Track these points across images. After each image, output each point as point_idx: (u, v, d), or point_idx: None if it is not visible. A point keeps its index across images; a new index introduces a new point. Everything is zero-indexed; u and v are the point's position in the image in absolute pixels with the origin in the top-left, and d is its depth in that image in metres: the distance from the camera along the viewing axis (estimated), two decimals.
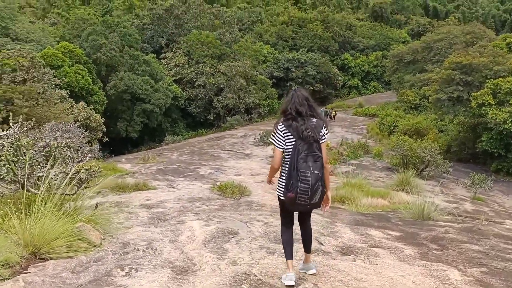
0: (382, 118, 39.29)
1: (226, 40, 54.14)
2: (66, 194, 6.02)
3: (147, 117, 42.84)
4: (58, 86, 35.15)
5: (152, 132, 45.35)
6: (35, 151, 5.96)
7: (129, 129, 41.83)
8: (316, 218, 8.43)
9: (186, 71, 49.63)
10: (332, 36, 68.17)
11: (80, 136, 16.83)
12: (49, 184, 5.73)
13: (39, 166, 5.79)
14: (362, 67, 69.01)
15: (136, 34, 46.31)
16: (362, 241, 5.89)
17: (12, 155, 5.49)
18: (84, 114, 34.22)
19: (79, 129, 17.21)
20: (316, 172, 3.74)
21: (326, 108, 49.93)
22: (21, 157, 5.69)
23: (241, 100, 49.24)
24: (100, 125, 35.88)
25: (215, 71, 49.75)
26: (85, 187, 6.10)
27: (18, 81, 32.27)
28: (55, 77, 34.94)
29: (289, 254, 4.11)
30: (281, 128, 3.91)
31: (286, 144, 3.88)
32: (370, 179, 21.21)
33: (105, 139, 36.10)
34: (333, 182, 18.75)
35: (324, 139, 3.94)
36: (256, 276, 4.02)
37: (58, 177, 5.85)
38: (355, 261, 4.64)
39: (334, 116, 45.15)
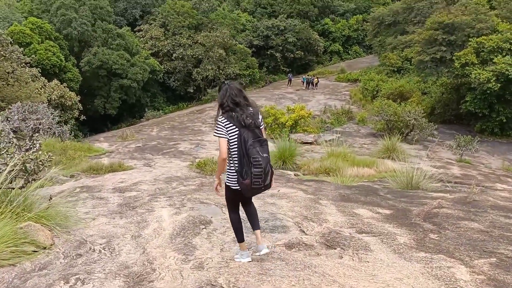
0: (365, 83, 38.67)
1: (203, 9, 52.37)
2: (11, 189, 5.26)
3: (125, 93, 41.56)
4: (29, 65, 33.59)
5: (131, 108, 44.14)
6: None
7: (107, 106, 40.59)
8: (300, 196, 7.82)
9: (163, 43, 48.08)
10: (311, 1, 66.56)
11: (49, 117, 15.84)
12: None
13: None
14: (342, 31, 67.82)
15: (108, 7, 44.30)
16: (350, 225, 5.26)
17: None
18: (58, 93, 32.88)
19: (47, 109, 16.17)
20: (265, 155, 3.90)
21: (308, 75, 49.07)
22: None
23: (221, 71, 48.05)
24: (75, 103, 34.59)
25: (193, 42, 48.28)
26: (33, 179, 5.31)
27: None
28: (24, 55, 33.34)
29: (241, 236, 4.29)
30: (222, 120, 3.99)
31: (229, 134, 3.94)
32: (355, 147, 20.71)
33: (82, 117, 34.91)
34: (317, 153, 18.23)
35: (262, 125, 4.09)
36: (223, 287, 3.32)
37: (6, 170, 5.06)
38: (342, 257, 3.96)
39: (316, 83, 44.40)
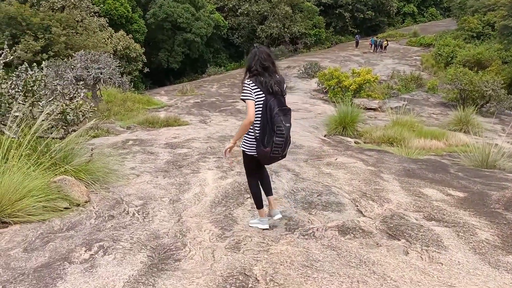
0: (439, 48, 35.96)
1: None
2: (53, 139, 4.95)
3: (188, 47, 41.41)
4: (97, 14, 34.08)
5: (194, 63, 44.06)
6: (12, 85, 4.82)
7: (170, 59, 40.71)
8: (359, 167, 7.10)
9: None
10: None
11: (110, 67, 15.81)
12: (27, 125, 4.65)
13: (16, 104, 4.67)
14: None
15: None
16: (416, 208, 4.53)
17: None
18: (123, 44, 33.26)
19: (109, 58, 16.13)
20: (287, 125, 3.81)
21: (377, 37, 46.58)
22: None
23: (286, 29, 46.62)
24: (140, 55, 34.90)
25: None
26: (73, 130, 4.97)
27: (56, 8, 31.38)
28: (93, 4, 33.80)
29: (259, 202, 4.17)
30: (249, 83, 3.86)
31: (256, 98, 3.83)
32: (423, 116, 19.34)
33: (146, 69, 35.25)
34: (381, 120, 17.15)
35: (286, 93, 4.03)
36: (258, 281, 2.72)
37: (40, 117, 4.73)
38: (407, 253, 3.24)
39: (385, 47, 42.07)
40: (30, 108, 4.62)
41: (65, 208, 4.22)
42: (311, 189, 5.36)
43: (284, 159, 4.11)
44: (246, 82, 3.87)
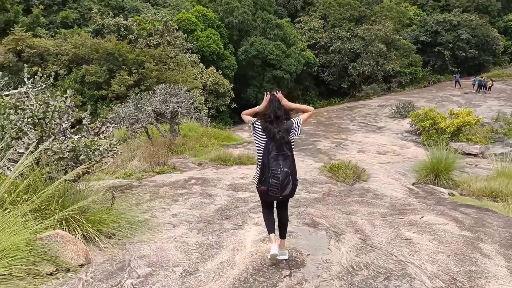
0: None
1: (367, 1, 49.49)
2: (66, 181, 4.21)
3: (277, 84, 41.26)
4: (190, 51, 35.20)
5: None
6: (21, 114, 4.18)
7: (259, 96, 40.73)
8: (451, 231, 5.60)
9: (320, 36, 46.67)
10: None
11: (189, 101, 15.55)
12: (33, 164, 3.94)
13: (21, 138, 4.01)
14: None
15: None
16: None
17: None
18: (213, 79, 33.82)
19: (187, 93, 15.92)
20: (285, 169, 4.07)
21: (481, 77, 43.07)
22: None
23: (379, 67, 44.85)
24: (228, 90, 35.26)
25: (352, 36, 45.90)
26: (87, 172, 4.19)
27: (153, 45, 32.90)
28: (187, 41, 35.00)
29: (271, 228, 4.35)
30: (257, 124, 4.28)
31: (261, 139, 4.24)
32: None
33: (234, 105, 35.44)
34: (483, 169, 14.96)
35: (293, 135, 4.29)
36: None
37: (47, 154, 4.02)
38: None
39: (490, 87, 38.61)
40: (34, 142, 3.94)
41: (48, 274, 3.36)
42: (378, 266, 4.06)
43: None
44: (255, 121, 4.31)
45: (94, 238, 3.94)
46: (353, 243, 4.67)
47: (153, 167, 10.83)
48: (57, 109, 4.31)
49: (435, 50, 52.26)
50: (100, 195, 4.44)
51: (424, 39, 52.35)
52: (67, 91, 4.76)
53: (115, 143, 4.43)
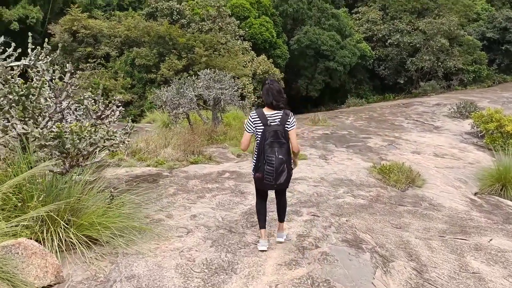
0: None
1: None
2: (52, 173, 3.47)
3: (329, 76, 39.82)
4: (242, 38, 34.46)
5: (334, 92, 42.30)
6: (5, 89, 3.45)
7: (310, 87, 39.52)
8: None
9: (378, 28, 44.54)
10: None
11: (234, 88, 14.79)
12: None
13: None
14: None
15: None
16: None
17: None
18: (263, 68, 32.94)
19: (231, 80, 15.14)
20: (280, 156, 4.18)
21: None
22: None
23: (440, 63, 42.25)
24: (278, 80, 34.31)
25: (412, 29, 43.47)
26: (76, 165, 3.42)
27: (204, 30, 32.42)
28: (239, 28, 34.27)
29: (262, 223, 4.52)
30: (253, 115, 4.48)
31: (256, 130, 4.40)
32: None
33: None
34: None
35: (292, 127, 4.49)
36: None
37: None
38: None
39: None
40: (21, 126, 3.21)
41: None
42: None
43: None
44: (250, 114, 4.45)
45: (80, 247, 3.18)
46: (406, 277, 3.67)
47: (187, 156, 10.13)
48: (45, 85, 3.57)
49: (503, 48, 48.69)
50: (102, 192, 3.68)
51: (491, 36, 48.86)
52: (67, 65, 4.05)
53: (113, 131, 3.64)
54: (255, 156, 4.33)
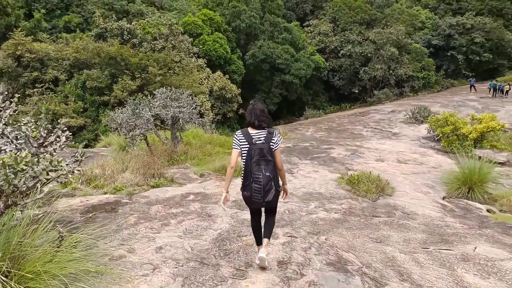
0: None
1: (378, 3, 48.09)
2: None
3: (286, 89, 39.98)
4: (196, 55, 34.04)
5: (291, 105, 42.47)
6: None
7: (267, 101, 39.47)
8: None
9: (330, 39, 45.37)
10: None
11: (192, 106, 14.29)
12: None
13: None
14: None
15: (279, 0, 43.24)
16: None
17: None
18: (220, 84, 32.61)
19: (189, 97, 14.64)
20: (267, 174, 4.20)
21: (496, 80, 41.47)
22: None
23: (391, 72, 43.40)
24: (236, 96, 34.03)
25: (362, 39, 44.55)
26: (12, 204, 2.87)
27: (157, 49, 31.80)
28: (193, 45, 33.86)
29: (258, 240, 4.56)
30: (238, 134, 4.44)
31: (242, 148, 4.34)
32: None
33: (241, 111, 34.14)
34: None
35: (277, 146, 4.43)
36: None
37: None
38: None
39: (507, 92, 37.01)
40: None
41: None
42: None
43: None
44: (236, 133, 4.45)
45: None
46: None
47: (147, 180, 9.54)
48: None
49: (448, 54, 50.74)
50: (49, 232, 3.13)
51: (437, 43, 50.88)
52: (0, 86, 3.48)
53: (58, 160, 3.11)
54: (242, 175, 4.32)
